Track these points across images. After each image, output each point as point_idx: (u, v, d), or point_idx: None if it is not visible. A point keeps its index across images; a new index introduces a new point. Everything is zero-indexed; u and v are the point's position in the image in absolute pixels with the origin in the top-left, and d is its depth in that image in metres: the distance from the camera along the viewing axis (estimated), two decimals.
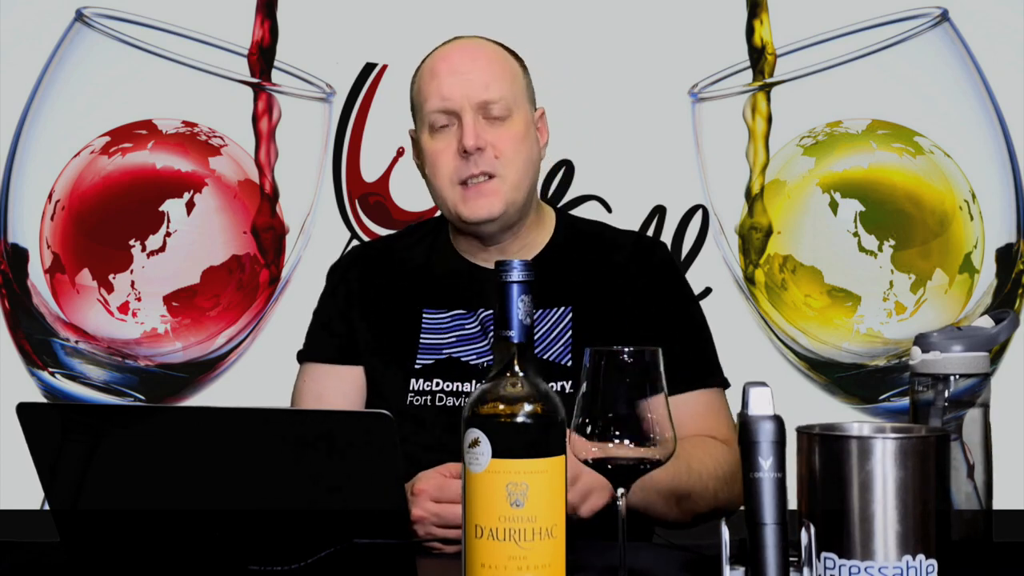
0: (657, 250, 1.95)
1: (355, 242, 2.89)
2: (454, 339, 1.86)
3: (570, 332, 1.84)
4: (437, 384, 1.84)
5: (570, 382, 1.79)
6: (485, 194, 1.80)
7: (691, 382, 1.82)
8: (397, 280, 1.93)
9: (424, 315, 1.89)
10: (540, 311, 1.83)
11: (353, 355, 1.90)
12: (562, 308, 1.85)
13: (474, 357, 1.84)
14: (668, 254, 1.96)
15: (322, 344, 1.93)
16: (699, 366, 1.86)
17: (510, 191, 1.81)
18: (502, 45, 1.90)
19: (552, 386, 1.77)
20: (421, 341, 1.87)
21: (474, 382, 1.82)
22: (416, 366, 1.86)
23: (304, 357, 1.95)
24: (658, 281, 1.89)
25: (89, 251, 2.90)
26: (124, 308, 2.89)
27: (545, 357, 1.82)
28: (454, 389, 1.83)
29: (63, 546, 1.32)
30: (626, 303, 1.85)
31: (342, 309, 1.93)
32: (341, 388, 1.89)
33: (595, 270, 1.89)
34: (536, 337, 1.82)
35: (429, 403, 1.83)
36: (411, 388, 1.85)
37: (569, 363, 1.82)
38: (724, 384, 1.88)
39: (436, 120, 1.82)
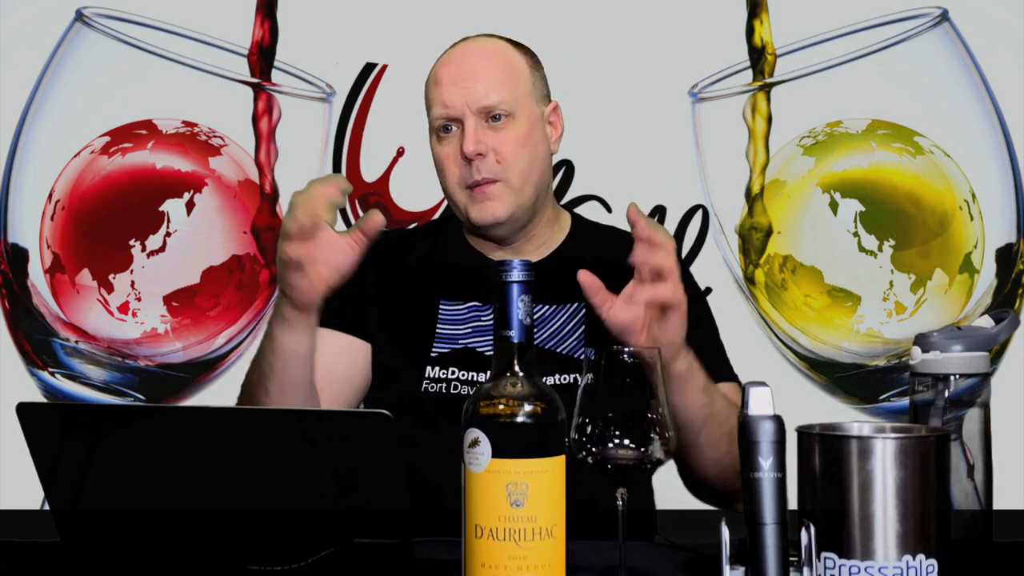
0: None
1: None
2: (470, 330, 1.88)
3: (583, 328, 1.87)
4: (453, 372, 1.86)
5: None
6: (491, 198, 1.83)
7: (718, 376, 1.84)
8: (413, 271, 1.95)
9: (441, 306, 1.91)
10: (555, 307, 1.87)
11: (356, 327, 1.90)
12: (576, 304, 1.88)
13: (489, 348, 1.85)
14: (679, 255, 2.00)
15: (323, 308, 1.90)
16: (720, 360, 1.89)
17: (514, 194, 1.84)
18: (510, 41, 1.91)
19: (565, 378, 1.82)
20: (438, 331, 1.89)
21: (489, 373, 1.84)
22: (432, 354, 1.87)
23: None
24: None
25: (89, 251, 2.90)
26: (124, 308, 2.89)
27: (559, 351, 1.86)
28: (469, 378, 1.85)
29: (63, 546, 1.32)
30: None
31: (354, 285, 1.92)
32: (332, 350, 1.85)
33: (608, 268, 1.91)
34: (551, 331, 1.87)
35: (444, 390, 1.85)
36: (427, 375, 1.86)
37: (582, 357, 1.84)
38: (737, 380, 1.91)
39: (441, 126, 1.85)
